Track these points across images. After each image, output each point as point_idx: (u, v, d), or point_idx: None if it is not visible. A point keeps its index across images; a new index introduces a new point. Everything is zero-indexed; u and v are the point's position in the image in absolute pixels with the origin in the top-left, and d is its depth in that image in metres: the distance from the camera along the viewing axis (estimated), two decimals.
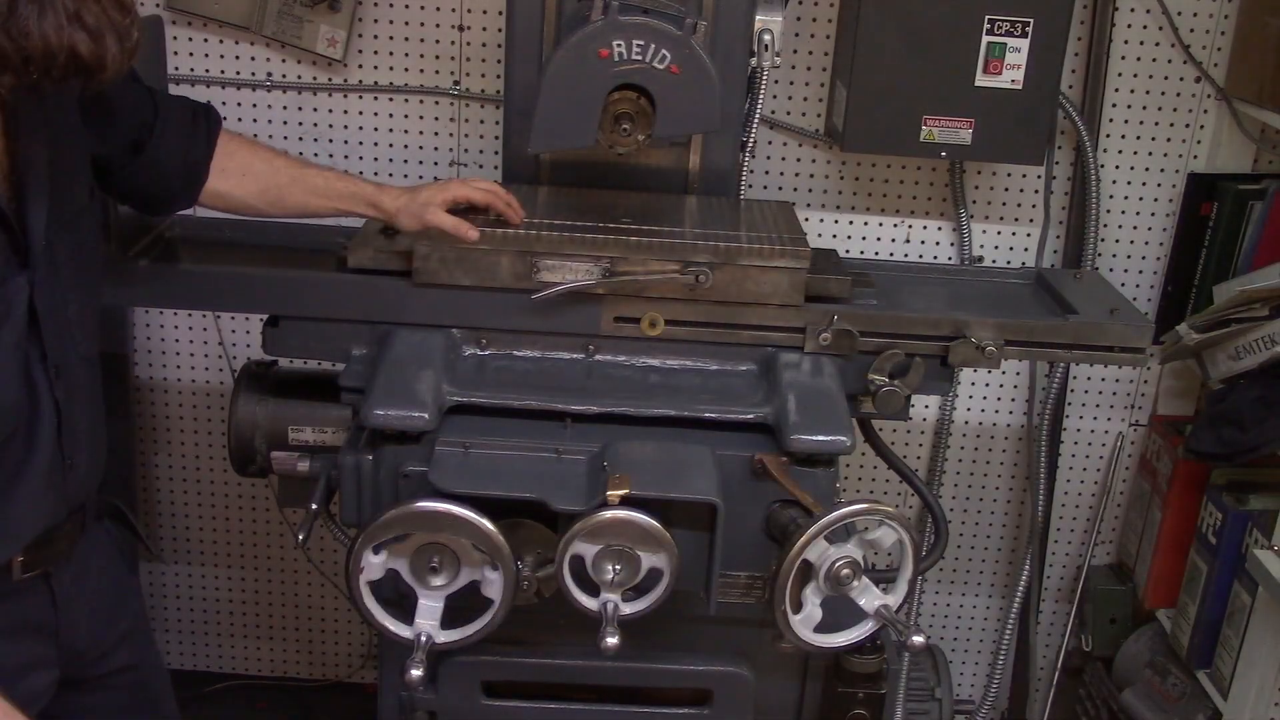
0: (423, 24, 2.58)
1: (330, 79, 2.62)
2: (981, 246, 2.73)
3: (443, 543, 1.77)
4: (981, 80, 2.35)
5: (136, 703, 1.87)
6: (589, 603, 1.78)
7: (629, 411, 1.90)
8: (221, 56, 2.60)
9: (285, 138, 2.65)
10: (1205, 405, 2.72)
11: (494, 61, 2.58)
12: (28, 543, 1.57)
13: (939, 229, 2.73)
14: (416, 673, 1.74)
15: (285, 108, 2.64)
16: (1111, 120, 2.64)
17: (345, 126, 2.65)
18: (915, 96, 2.36)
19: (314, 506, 1.94)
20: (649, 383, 2.00)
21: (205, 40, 2.59)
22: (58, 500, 1.60)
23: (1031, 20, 2.31)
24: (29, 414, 1.53)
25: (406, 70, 2.61)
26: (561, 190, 2.23)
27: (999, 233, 2.73)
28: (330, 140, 2.66)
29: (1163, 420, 2.84)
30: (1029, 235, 2.73)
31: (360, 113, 2.64)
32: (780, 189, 2.69)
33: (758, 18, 2.22)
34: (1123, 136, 2.66)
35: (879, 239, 2.73)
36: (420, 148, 2.66)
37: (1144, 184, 2.70)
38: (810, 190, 2.70)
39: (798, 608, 1.79)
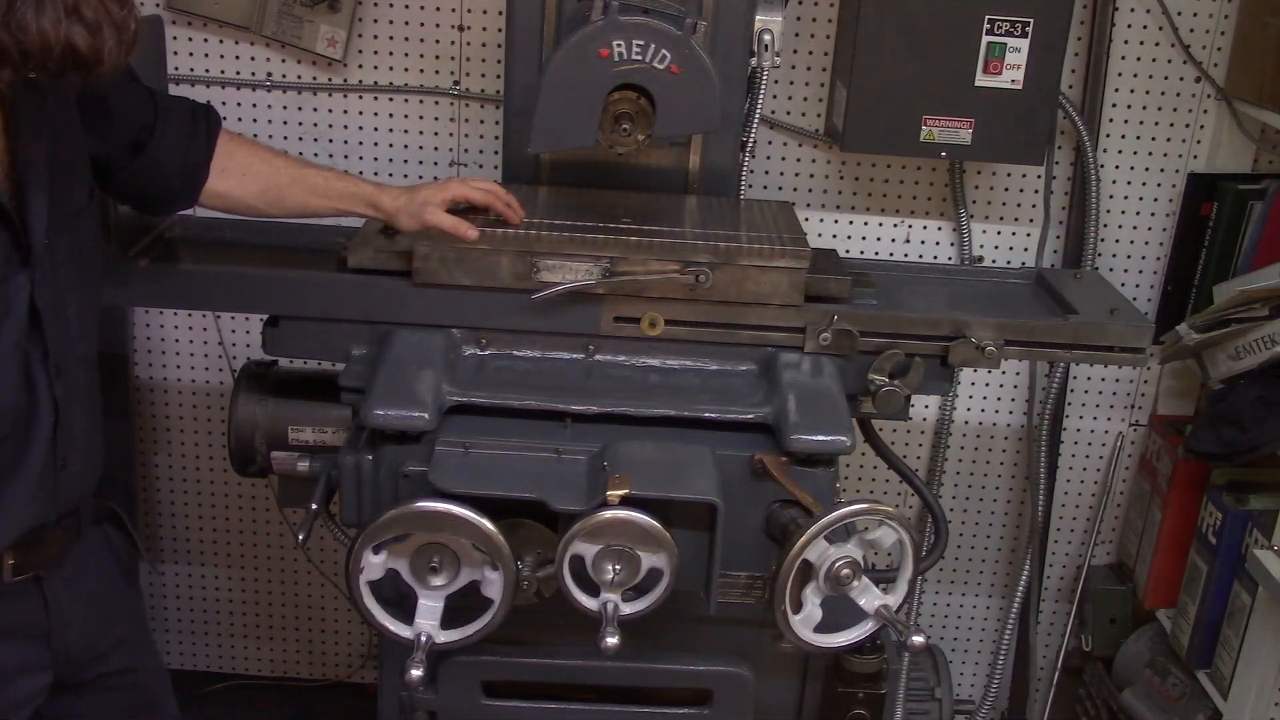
0: (423, 24, 2.58)
1: (330, 79, 2.62)
2: (981, 246, 2.73)
3: (443, 543, 1.77)
4: (981, 80, 2.35)
5: (133, 706, 1.86)
6: (589, 603, 1.78)
7: (629, 411, 1.90)
8: (221, 56, 2.60)
9: (285, 138, 2.65)
10: (1205, 405, 2.72)
11: (494, 61, 2.58)
12: (13, 543, 1.57)
13: (939, 229, 2.73)
14: (416, 673, 1.74)
15: (285, 108, 2.64)
16: (1111, 120, 2.64)
17: (345, 126, 2.65)
18: (915, 96, 2.36)
19: (314, 506, 1.94)
20: (649, 383, 2.00)
21: (205, 40, 2.59)
22: (48, 501, 1.60)
23: (1031, 20, 2.31)
24: (26, 412, 1.53)
25: (406, 70, 2.61)
26: (561, 190, 2.23)
27: (999, 233, 2.73)
28: (330, 140, 2.66)
29: (1163, 420, 2.84)
30: (1029, 235, 2.73)
31: (360, 113, 2.64)
32: (780, 189, 2.69)
33: (758, 18, 2.22)
34: (1123, 136, 2.66)
35: (879, 239, 2.73)
36: (420, 148, 2.66)
37: (1144, 184, 2.70)
38: (810, 190, 2.70)
39: (798, 608, 1.79)
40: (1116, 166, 2.68)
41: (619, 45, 1.86)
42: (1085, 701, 2.98)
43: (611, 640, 1.72)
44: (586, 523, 1.71)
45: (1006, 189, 2.70)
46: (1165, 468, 2.76)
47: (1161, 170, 2.68)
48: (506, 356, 2.02)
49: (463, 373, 1.97)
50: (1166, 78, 2.62)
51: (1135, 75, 2.61)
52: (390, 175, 2.67)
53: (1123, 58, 2.60)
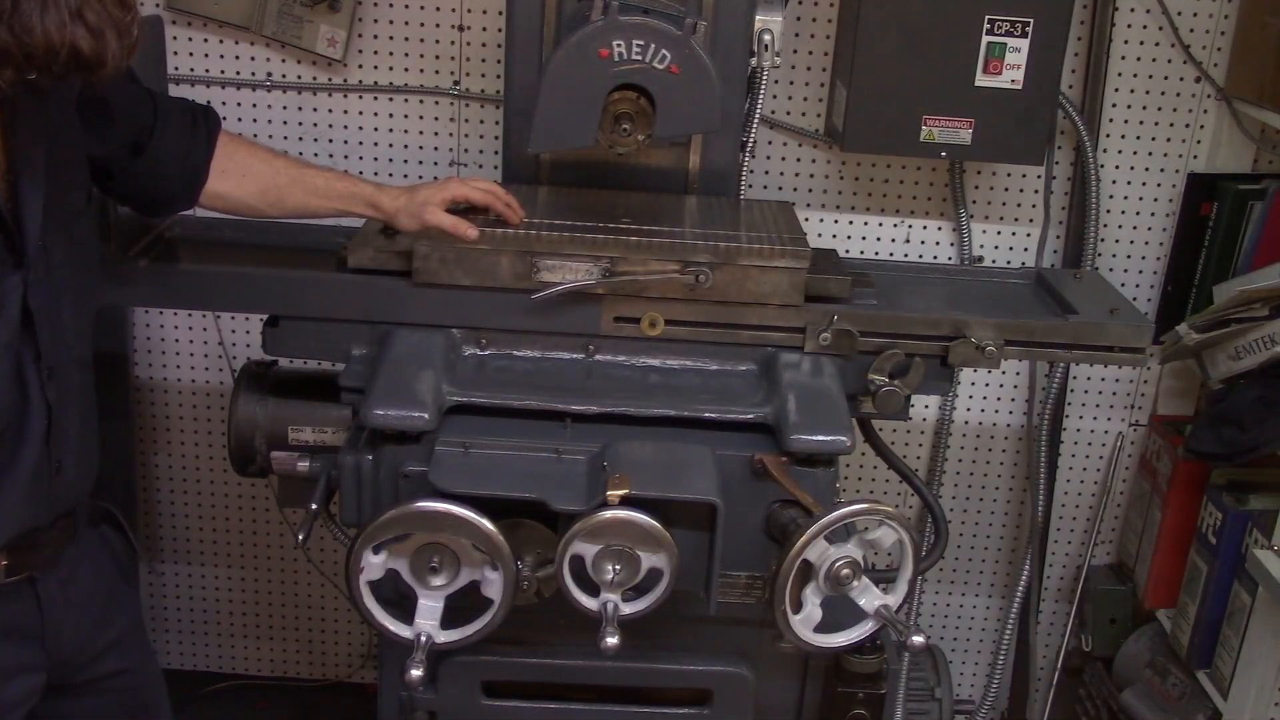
0: (423, 24, 2.58)
1: (330, 79, 2.62)
2: (981, 246, 2.73)
3: (443, 543, 1.77)
4: (981, 80, 2.35)
5: (127, 708, 1.86)
6: (589, 603, 1.78)
7: (629, 411, 1.90)
8: (221, 56, 2.60)
9: (285, 138, 2.65)
10: (1205, 405, 2.72)
11: (494, 61, 2.58)
12: (6, 544, 1.56)
13: (939, 229, 2.73)
14: (416, 673, 1.74)
15: (285, 108, 2.64)
16: (1111, 120, 2.64)
17: (345, 126, 2.65)
18: (915, 96, 2.36)
19: (314, 506, 1.94)
20: (649, 383, 2.00)
21: (205, 40, 2.59)
22: (41, 503, 1.59)
23: (1031, 20, 2.31)
24: (18, 414, 1.53)
25: (406, 70, 2.61)
26: (561, 190, 2.23)
27: (999, 233, 2.73)
28: (330, 140, 2.66)
29: (1163, 420, 2.84)
30: (1029, 235, 2.73)
31: (360, 113, 2.64)
32: (780, 189, 2.69)
33: (758, 18, 2.22)
34: (1123, 136, 2.66)
35: (879, 239, 2.73)
36: (420, 148, 2.66)
37: (1144, 184, 2.70)
38: (810, 190, 2.70)
39: (798, 608, 1.79)
40: (1116, 166, 2.68)
41: (619, 45, 1.86)
42: (1085, 701, 2.98)
43: (611, 640, 1.72)
44: (586, 523, 1.71)
45: (1006, 189, 2.70)
46: (1165, 468, 2.76)
47: (1161, 170, 2.68)
48: (506, 356, 2.02)
49: (463, 373, 1.97)
50: (1166, 78, 2.62)
51: (1135, 75, 2.61)
52: (390, 175, 2.67)
53: (1123, 58, 2.60)
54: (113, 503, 2.39)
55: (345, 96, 2.63)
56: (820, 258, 2.09)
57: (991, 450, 2.91)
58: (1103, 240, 2.70)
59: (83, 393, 1.66)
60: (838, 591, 1.78)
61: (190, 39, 2.58)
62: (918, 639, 1.74)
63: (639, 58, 1.86)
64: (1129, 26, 2.57)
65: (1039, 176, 2.67)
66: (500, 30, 2.51)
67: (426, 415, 1.82)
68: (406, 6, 2.56)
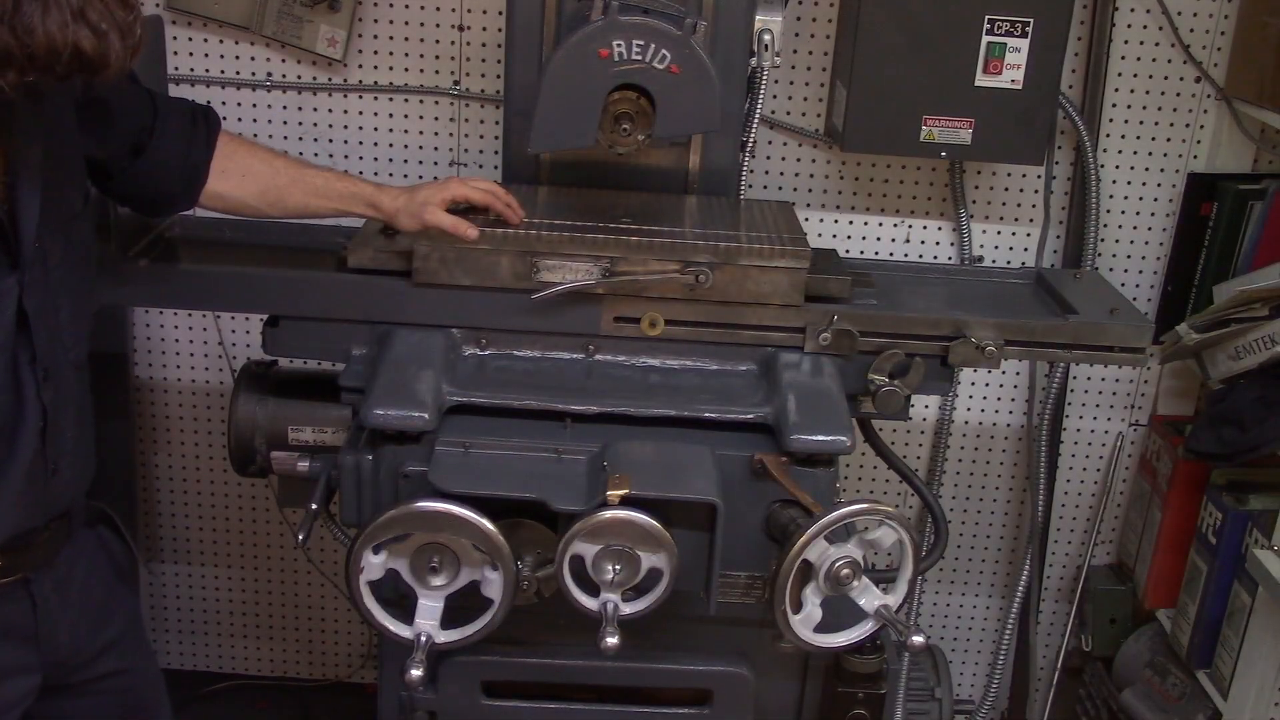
0: (423, 24, 2.58)
1: (330, 79, 2.62)
2: (981, 246, 2.73)
3: (443, 543, 1.77)
4: (981, 80, 2.35)
5: (124, 709, 1.86)
6: (589, 603, 1.78)
7: (629, 411, 1.90)
8: (221, 56, 2.60)
9: (285, 138, 2.65)
10: (1205, 405, 2.72)
11: (494, 61, 2.58)
12: (1, 545, 1.56)
13: (939, 229, 2.73)
14: (416, 673, 1.74)
15: (285, 108, 2.64)
16: (1111, 120, 2.64)
17: (345, 126, 2.65)
18: (915, 96, 2.36)
19: (314, 506, 1.94)
20: (649, 383, 2.00)
21: (205, 40, 2.59)
22: (36, 504, 1.59)
23: (1031, 20, 2.31)
24: (13, 416, 1.53)
25: (406, 70, 2.61)
26: (561, 190, 2.24)
27: (999, 233, 2.73)
28: (330, 140, 2.66)
29: (1163, 420, 2.84)
30: (1029, 235, 2.73)
31: (360, 113, 2.64)
32: (780, 189, 2.69)
33: (758, 18, 2.22)
34: (1123, 136, 2.66)
35: (879, 239, 2.73)
36: (420, 148, 2.66)
37: (1144, 184, 2.70)
38: (810, 190, 2.70)
39: (798, 608, 1.79)
40: (1116, 166, 2.68)
41: (619, 45, 1.86)
42: (1085, 701, 2.98)
43: (611, 640, 1.72)
44: (586, 523, 1.71)
45: (1006, 189, 2.70)
46: (1165, 468, 2.76)
47: (1161, 170, 2.68)
48: (506, 356, 2.02)
49: (463, 373, 1.97)
50: (1166, 78, 2.62)
51: (1135, 75, 2.61)
52: (390, 175, 2.67)
53: (1123, 58, 2.60)
54: (112, 502, 2.39)
55: (345, 96, 2.63)
56: (820, 258, 2.09)
57: (991, 450, 2.91)
58: (1103, 240, 2.70)
59: (79, 394, 1.66)
60: (838, 591, 1.78)
61: (190, 39, 2.58)
62: (918, 639, 1.74)
63: (639, 58, 1.86)
64: (1129, 26, 2.57)
65: (1039, 176, 2.67)
66: (500, 30, 2.51)
67: (426, 415, 1.82)
68: (406, 6, 2.56)
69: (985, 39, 2.32)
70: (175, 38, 2.56)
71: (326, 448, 2.07)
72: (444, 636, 1.81)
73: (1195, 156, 2.66)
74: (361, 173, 2.65)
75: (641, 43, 1.86)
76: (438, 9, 2.56)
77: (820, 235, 2.71)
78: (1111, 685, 2.86)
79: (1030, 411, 2.85)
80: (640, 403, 1.91)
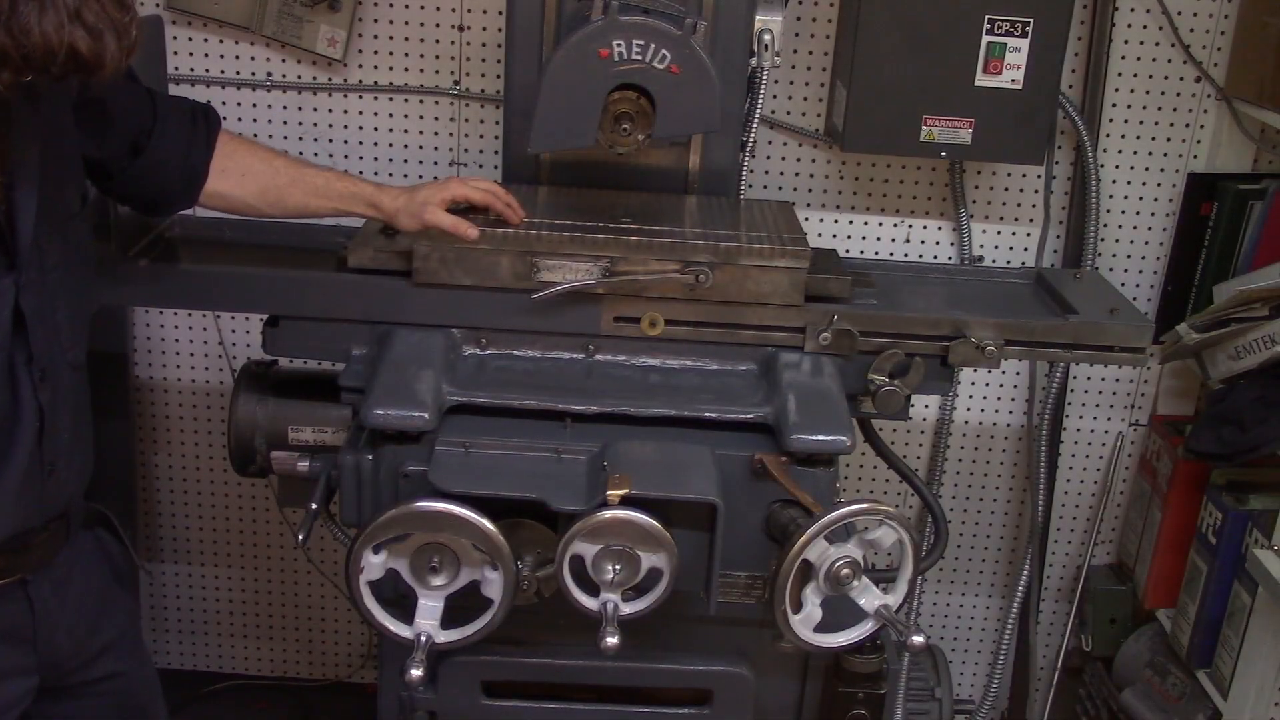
0: (423, 24, 2.58)
1: (330, 79, 2.62)
2: (981, 246, 2.73)
3: (443, 543, 1.77)
4: (981, 80, 2.35)
5: (121, 711, 1.85)
6: (589, 603, 1.78)
7: (629, 411, 1.90)
8: (221, 56, 2.60)
9: (285, 138, 2.65)
10: (1205, 405, 2.72)
11: (494, 61, 2.58)
12: None
13: (939, 229, 2.73)
14: (416, 673, 1.74)
15: (285, 108, 2.64)
16: (1111, 120, 2.64)
17: (345, 126, 2.65)
18: (915, 96, 2.36)
19: (314, 506, 1.94)
20: (649, 383, 2.00)
21: (205, 40, 2.59)
22: (33, 505, 1.59)
23: (1031, 20, 2.31)
24: (9, 416, 1.52)
25: (406, 70, 2.61)
26: (561, 190, 2.24)
27: (999, 233, 2.73)
28: (330, 140, 2.66)
29: (1163, 420, 2.84)
30: (1029, 235, 2.73)
31: (360, 113, 2.64)
32: (780, 189, 2.69)
33: (758, 18, 2.22)
34: (1123, 136, 2.66)
35: (879, 239, 2.73)
36: (420, 148, 2.66)
37: (1144, 184, 2.70)
38: (810, 190, 2.70)
39: (798, 608, 1.79)
40: (1116, 166, 2.68)
41: (619, 45, 1.86)
42: (1085, 701, 2.98)
43: (611, 640, 1.72)
44: (586, 523, 1.71)
45: (1006, 189, 2.70)
46: (1165, 468, 2.76)
47: (1161, 170, 2.68)
48: (506, 356, 2.02)
49: (463, 373, 1.97)
50: (1166, 78, 2.62)
51: (1135, 75, 2.61)
52: (390, 175, 2.67)
53: (1123, 58, 2.60)
54: (112, 503, 2.38)
55: (345, 96, 2.63)
56: (820, 258, 2.09)
57: (991, 450, 2.91)
58: (1103, 240, 2.70)
59: (76, 395, 1.65)
60: (838, 591, 1.78)
61: (190, 39, 2.58)
62: (918, 639, 1.74)
63: (639, 58, 1.86)
64: (1129, 26, 2.57)
65: (1039, 176, 2.67)
66: (500, 30, 2.51)
67: (426, 415, 1.82)
68: (406, 6, 2.56)
69: (985, 39, 2.32)
70: (175, 37, 2.56)
71: (326, 448, 2.07)
72: (444, 636, 1.81)
73: (1195, 156, 2.66)
74: (361, 173, 2.65)
75: (641, 43, 1.86)
76: (438, 9, 2.56)
77: (820, 235, 2.71)
78: (1111, 685, 2.86)
79: (1030, 411, 2.85)
80: (640, 403, 1.91)
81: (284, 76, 2.61)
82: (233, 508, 2.97)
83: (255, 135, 2.62)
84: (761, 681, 2.04)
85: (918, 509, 2.86)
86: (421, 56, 2.60)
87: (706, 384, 2.00)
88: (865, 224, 2.72)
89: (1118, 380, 2.85)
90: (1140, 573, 2.85)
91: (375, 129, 2.65)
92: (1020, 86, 2.35)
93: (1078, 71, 2.58)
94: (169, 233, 2.16)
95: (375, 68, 2.61)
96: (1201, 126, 2.65)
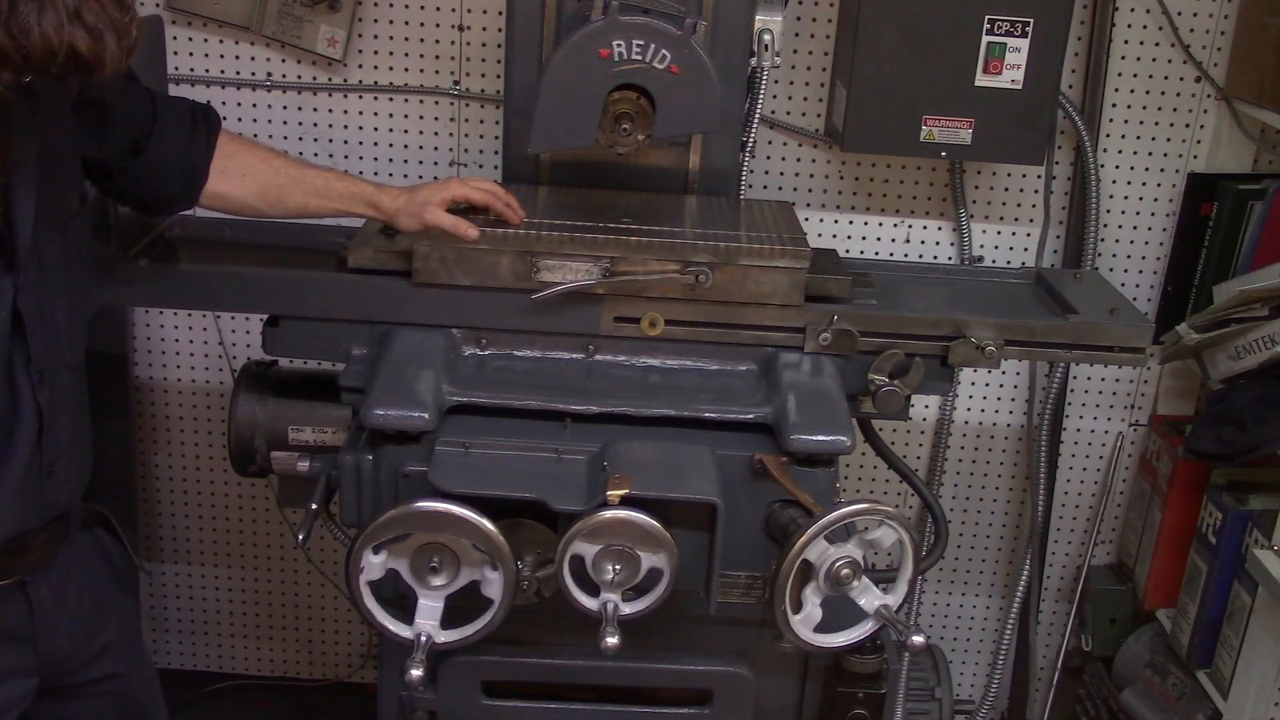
0: (423, 24, 2.58)
1: (330, 79, 2.62)
2: (981, 246, 2.73)
3: (443, 543, 1.77)
4: (981, 80, 2.35)
5: (121, 712, 1.85)
6: (589, 603, 1.78)
7: (629, 411, 1.90)
8: (221, 56, 2.60)
9: (285, 138, 2.65)
10: (1205, 405, 2.72)
11: (494, 61, 2.58)
12: None
13: (939, 229, 2.73)
14: (416, 673, 1.74)
15: (285, 108, 2.64)
16: (1111, 120, 2.64)
17: (345, 126, 2.65)
18: (915, 96, 2.36)
19: (314, 506, 1.94)
20: (649, 383, 2.00)
21: (205, 40, 2.59)
22: (32, 506, 1.59)
23: (1031, 20, 2.31)
24: (7, 417, 1.52)
25: (406, 70, 2.61)
26: (561, 190, 2.24)
27: (999, 233, 2.73)
28: (330, 140, 2.66)
29: (1163, 420, 2.84)
30: (1029, 235, 2.73)
31: (360, 113, 2.64)
32: (780, 189, 2.69)
33: (758, 18, 2.22)
34: (1123, 136, 2.66)
35: (879, 239, 2.73)
36: (420, 148, 2.66)
37: (1144, 184, 2.70)
38: (810, 190, 2.70)
39: (798, 608, 1.79)
40: (1116, 166, 2.68)
41: (619, 45, 1.86)
42: (1085, 701, 2.98)
43: (611, 640, 1.72)
44: (586, 523, 1.71)
45: (1006, 189, 2.70)
46: (1165, 468, 2.76)
47: (1161, 170, 2.68)
48: (506, 356, 2.02)
49: (463, 373, 1.97)
50: (1166, 78, 2.62)
51: (1135, 75, 2.61)
52: (390, 175, 2.67)
53: (1123, 58, 2.60)
54: (112, 503, 2.38)
55: (345, 96, 2.63)
56: (820, 258, 2.09)
57: (991, 450, 2.91)
58: (1103, 240, 2.70)
59: (75, 395, 1.65)
60: (838, 591, 1.78)
61: (190, 39, 2.58)
62: (918, 639, 1.74)
63: (639, 58, 1.86)
64: (1129, 26, 2.57)
65: (1039, 176, 2.67)
66: (500, 30, 2.51)
67: (426, 415, 1.82)
68: (406, 6, 2.56)
69: (985, 39, 2.32)
70: (175, 38, 2.56)
71: (326, 448, 2.07)
72: (444, 636, 1.81)
73: (1195, 156, 2.66)
74: (361, 173, 2.65)
75: (641, 43, 1.86)
76: (438, 9, 2.56)
77: (820, 235, 2.71)
78: (1111, 685, 2.86)
79: (1030, 411, 2.85)
80: (640, 403, 1.91)
81: (284, 76, 2.61)
82: (233, 508, 2.97)
83: (255, 135, 2.62)
84: (761, 681, 2.04)
85: (918, 509, 2.86)
86: (421, 56, 2.60)
87: (706, 384, 2.00)
88: (865, 224, 2.72)
89: (1118, 380, 2.85)
90: (1140, 573, 2.85)
91: (375, 129, 2.65)
92: (1020, 86, 2.35)
93: (1078, 71, 2.58)
94: (169, 233, 2.16)
95: (375, 68, 2.61)
96: (1201, 126, 2.65)
